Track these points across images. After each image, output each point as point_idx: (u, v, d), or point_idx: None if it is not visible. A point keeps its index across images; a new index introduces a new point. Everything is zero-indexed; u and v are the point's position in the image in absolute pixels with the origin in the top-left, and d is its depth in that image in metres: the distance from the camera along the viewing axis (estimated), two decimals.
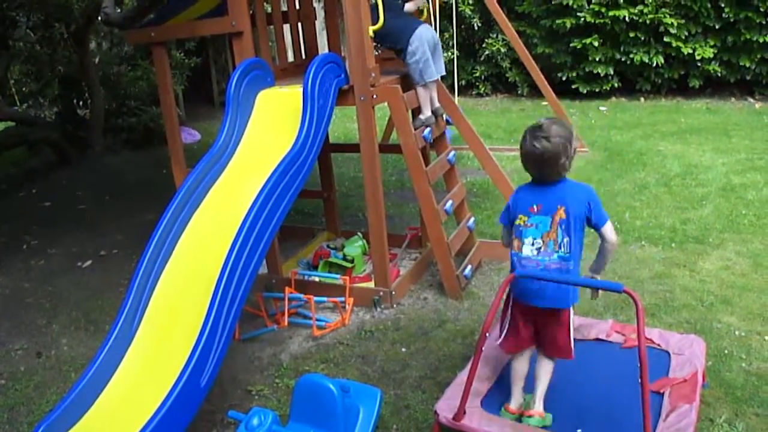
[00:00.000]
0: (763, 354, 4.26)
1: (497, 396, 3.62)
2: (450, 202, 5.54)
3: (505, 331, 3.54)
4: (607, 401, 3.53)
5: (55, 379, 4.72)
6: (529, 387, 3.53)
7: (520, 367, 3.56)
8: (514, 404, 3.50)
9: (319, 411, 3.29)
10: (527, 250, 3.36)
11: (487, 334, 3.21)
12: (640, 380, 2.86)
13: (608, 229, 3.37)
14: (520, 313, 3.46)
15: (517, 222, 3.39)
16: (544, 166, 3.29)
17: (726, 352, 4.31)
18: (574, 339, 3.45)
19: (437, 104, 5.62)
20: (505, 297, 3.53)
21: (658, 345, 3.96)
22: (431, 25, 5.97)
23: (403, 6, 5.55)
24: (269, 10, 5.95)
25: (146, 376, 3.74)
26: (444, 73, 5.60)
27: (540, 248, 3.33)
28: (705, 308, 4.90)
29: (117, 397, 3.68)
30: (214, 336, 3.56)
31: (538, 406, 3.45)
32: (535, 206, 3.35)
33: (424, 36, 5.28)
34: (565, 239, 3.31)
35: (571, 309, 3.41)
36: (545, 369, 3.51)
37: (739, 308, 4.87)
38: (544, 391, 3.49)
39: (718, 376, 4.03)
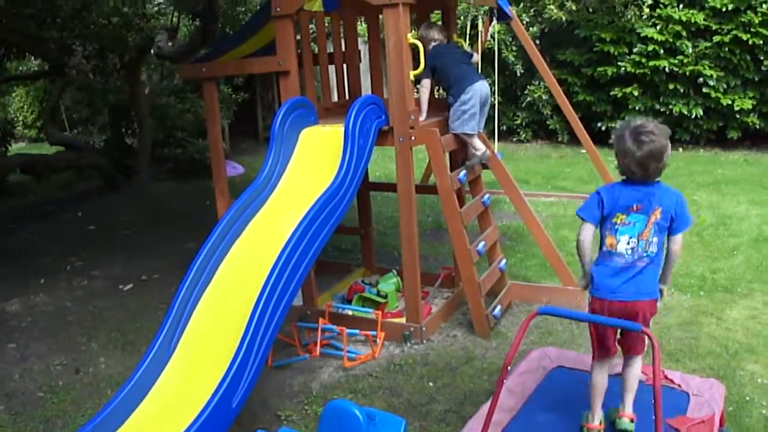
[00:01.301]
0: None
1: (518, 428, 3.73)
2: (482, 243, 5.68)
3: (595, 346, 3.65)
4: None
5: (92, 395, 4.91)
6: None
7: (601, 381, 3.66)
8: (597, 420, 3.63)
9: None
10: (622, 248, 3.46)
11: (509, 368, 3.34)
12: (654, 411, 2.98)
13: (681, 237, 3.50)
14: (600, 310, 3.54)
15: (614, 219, 3.47)
16: (650, 163, 3.35)
17: (747, 398, 4.38)
18: None
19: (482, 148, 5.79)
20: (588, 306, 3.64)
21: (679, 386, 4.05)
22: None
23: (469, 56, 5.81)
24: (316, 50, 6.14)
25: (180, 394, 3.90)
26: (481, 130, 5.81)
27: (634, 247, 3.45)
28: (729, 356, 4.97)
29: (151, 413, 3.85)
30: (248, 359, 3.72)
31: (629, 409, 3.61)
32: (635, 205, 3.43)
33: (480, 90, 5.50)
34: (655, 239, 3.44)
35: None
36: (636, 370, 3.64)
37: (764, 357, 4.94)
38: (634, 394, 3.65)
39: (738, 422, 4.12)
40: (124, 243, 8.69)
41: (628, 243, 3.45)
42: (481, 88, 5.51)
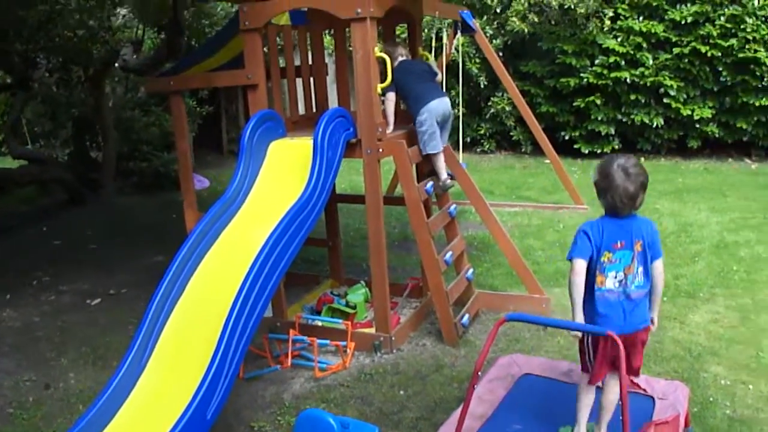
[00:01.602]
0: (747, 402, 4.47)
1: None
2: (450, 253, 5.75)
3: (591, 367, 3.70)
4: None
5: (63, 410, 4.89)
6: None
7: (588, 398, 3.76)
8: None
9: None
10: (610, 284, 3.54)
11: (479, 374, 3.40)
12: (621, 417, 3.06)
13: (661, 263, 3.62)
14: (610, 352, 3.60)
15: (602, 259, 3.54)
16: (633, 202, 3.48)
17: (711, 399, 4.51)
18: (568, 383, 3.67)
19: (444, 173, 5.84)
20: (586, 353, 3.72)
21: (644, 391, 4.15)
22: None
23: (433, 74, 5.89)
24: (282, 64, 6.19)
25: (154, 407, 3.92)
26: (446, 144, 5.87)
27: (621, 281, 3.54)
28: (693, 358, 5.10)
29: (125, 426, 3.85)
30: (222, 370, 3.75)
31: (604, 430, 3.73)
32: (619, 242, 3.52)
33: (435, 110, 5.54)
34: (640, 269, 3.54)
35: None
36: (614, 394, 3.71)
37: (726, 359, 5.07)
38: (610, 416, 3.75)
39: (703, 423, 4.23)
40: (91, 257, 8.65)
41: (616, 277, 3.54)
42: (437, 107, 5.55)
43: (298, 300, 6.41)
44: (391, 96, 5.55)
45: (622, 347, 3.08)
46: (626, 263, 3.52)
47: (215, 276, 4.51)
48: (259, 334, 5.31)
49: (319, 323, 5.80)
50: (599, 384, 3.76)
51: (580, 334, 3.71)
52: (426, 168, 5.90)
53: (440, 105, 5.58)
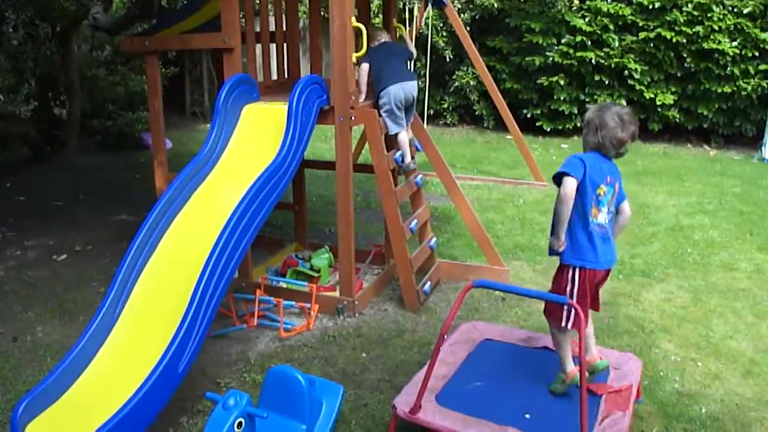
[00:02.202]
0: (695, 377, 4.66)
1: (451, 392, 3.97)
2: (415, 221, 5.89)
3: (573, 313, 3.83)
4: (552, 400, 3.97)
5: (31, 362, 4.96)
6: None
7: (567, 338, 4.00)
8: (571, 368, 3.98)
9: (287, 399, 3.60)
10: (602, 218, 3.78)
11: (445, 336, 3.55)
12: (578, 382, 3.23)
13: (627, 203, 3.93)
14: (589, 286, 3.84)
15: (598, 191, 3.73)
16: (619, 149, 3.73)
17: (662, 374, 4.69)
18: (526, 348, 3.88)
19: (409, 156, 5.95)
20: (571, 284, 3.86)
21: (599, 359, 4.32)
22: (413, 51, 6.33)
23: (407, 55, 6.01)
24: (258, 29, 6.24)
25: (126, 360, 4.01)
26: (410, 135, 5.99)
27: (605, 215, 3.78)
28: (645, 335, 5.29)
29: (97, 378, 3.94)
30: (193, 326, 3.86)
31: (596, 352, 4.07)
32: (608, 177, 3.74)
33: (396, 94, 5.63)
34: (614, 208, 3.83)
35: None
36: (591, 326, 4.03)
37: (677, 337, 5.27)
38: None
39: (653, 395, 4.41)
40: (56, 214, 8.65)
41: (604, 212, 3.76)
42: (397, 92, 5.63)
43: (263, 262, 6.52)
44: (365, 67, 5.64)
45: (581, 314, 3.24)
46: (608, 198, 3.75)
47: (188, 235, 4.60)
48: (225, 294, 5.40)
49: (284, 285, 5.91)
50: (544, 345, 3.99)
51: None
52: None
53: (401, 90, 5.65)
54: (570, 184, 3.67)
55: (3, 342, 5.29)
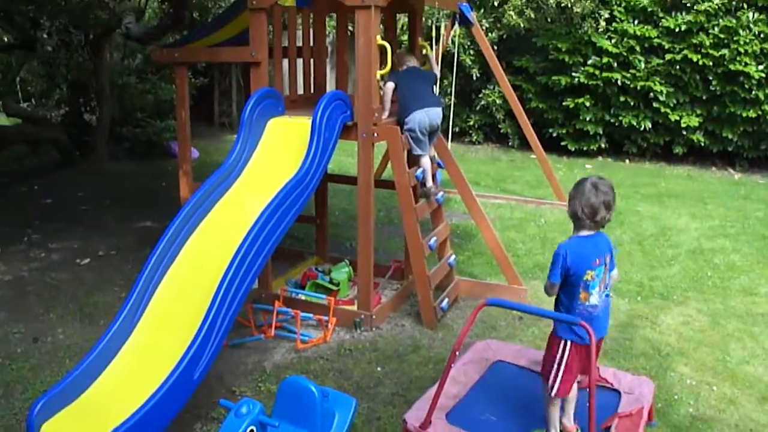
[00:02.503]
0: (710, 402, 4.66)
1: (461, 412, 4.00)
2: (434, 238, 5.93)
3: (560, 378, 3.79)
4: None
5: (50, 363, 5.06)
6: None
7: (556, 409, 3.92)
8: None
9: (300, 410, 3.64)
10: (594, 300, 3.75)
11: (457, 353, 3.59)
12: (588, 404, 3.26)
13: (616, 271, 3.94)
14: (577, 354, 3.78)
15: (586, 277, 3.71)
16: (594, 216, 3.68)
17: (676, 398, 4.69)
18: (538, 373, 3.91)
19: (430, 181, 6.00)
20: (561, 350, 3.82)
21: (611, 384, 4.33)
22: (437, 71, 6.39)
23: (432, 79, 6.03)
24: (285, 44, 6.33)
25: (143, 365, 4.09)
26: (431, 153, 6.04)
27: (599, 294, 3.76)
28: (661, 358, 5.28)
29: (114, 381, 4.03)
30: (211, 334, 3.94)
31: (571, 422, 3.97)
32: (597, 260, 3.72)
33: (421, 121, 5.67)
34: (609, 280, 3.83)
35: None
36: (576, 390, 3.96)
37: (694, 360, 5.26)
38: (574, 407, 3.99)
39: (666, 419, 4.42)
40: (82, 218, 8.81)
41: (597, 293, 3.74)
42: (422, 119, 5.67)
43: (283, 274, 6.58)
44: (390, 86, 5.68)
45: (594, 336, 3.27)
46: (601, 276, 3.74)
47: (209, 243, 4.68)
48: (244, 304, 5.47)
49: (303, 297, 5.96)
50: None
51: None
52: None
53: (426, 117, 5.69)
54: (549, 289, 3.80)
55: (24, 342, 5.41)
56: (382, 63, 5.40)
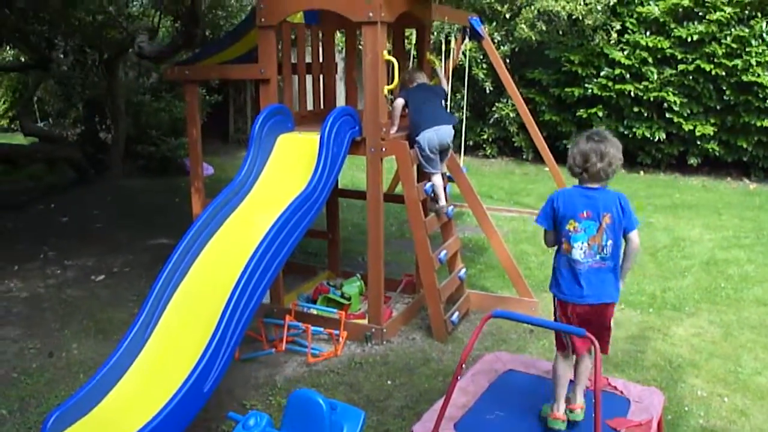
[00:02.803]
0: (721, 413, 4.65)
1: (470, 422, 4.01)
2: (444, 252, 5.96)
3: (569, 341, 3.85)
4: None
5: (65, 377, 5.13)
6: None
7: (563, 372, 3.92)
8: (561, 410, 3.89)
9: (308, 422, 3.67)
10: (576, 254, 3.72)
11: (463, 366, 3.61)
12: (593, 414, 3.26)
13: (636, 234, 3.77)
14: (571, 318, 3.80)
15: (568, 227, 3.72)
16: (591, 157, 3.66)
17: (686, 409, 4.69)
18: (550, 380, 3.89)
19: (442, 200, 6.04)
20: (554, 311, 3.93)
21: (621, 392, 4.32)
22: (445, 85, 6.42)
23: (442, 96, 6.07)
24: (294, 60, 6.38)
25: (154, 379, 4.14)
26: (443, 171, 6.08)
27: (586, 251, 3.72)
28: (672, 369, 5.28)
29: (126, 395, 4.09)
30: (220, 348, 3.97)
31: (581, 400, 3.92)
32: (585, 212, 3.70)
33: (431, 140, 5.70)
34: (609, 242, 3.71)
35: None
36: (584, 366, 3.93)
37: (705, 372, 5.24)
38: (583, 387, 3.95)
39: (676, 430, 4.43)
40: (97, 235, 8.90)
41: (581, 248, 3.71)
42: (432, 138, 5.69)
43: (294, 288, 6.62)
44: (400, 102, 5.74)
45: (598, 347, 3.28)
46: (592, 233, 3.69)
47: (219, 259, 4.74)
48: (255, 319, 5.50)
49: (314, 311, 6.00)
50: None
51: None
52: None
53: (435, 136, 5.71)
54: (544, 237, 3.92)
55: (39, 357, 5.48)
56: (390, 78, 5.44)
